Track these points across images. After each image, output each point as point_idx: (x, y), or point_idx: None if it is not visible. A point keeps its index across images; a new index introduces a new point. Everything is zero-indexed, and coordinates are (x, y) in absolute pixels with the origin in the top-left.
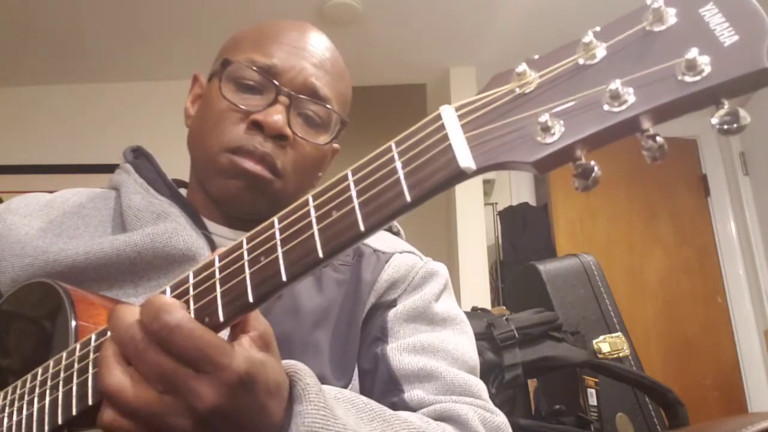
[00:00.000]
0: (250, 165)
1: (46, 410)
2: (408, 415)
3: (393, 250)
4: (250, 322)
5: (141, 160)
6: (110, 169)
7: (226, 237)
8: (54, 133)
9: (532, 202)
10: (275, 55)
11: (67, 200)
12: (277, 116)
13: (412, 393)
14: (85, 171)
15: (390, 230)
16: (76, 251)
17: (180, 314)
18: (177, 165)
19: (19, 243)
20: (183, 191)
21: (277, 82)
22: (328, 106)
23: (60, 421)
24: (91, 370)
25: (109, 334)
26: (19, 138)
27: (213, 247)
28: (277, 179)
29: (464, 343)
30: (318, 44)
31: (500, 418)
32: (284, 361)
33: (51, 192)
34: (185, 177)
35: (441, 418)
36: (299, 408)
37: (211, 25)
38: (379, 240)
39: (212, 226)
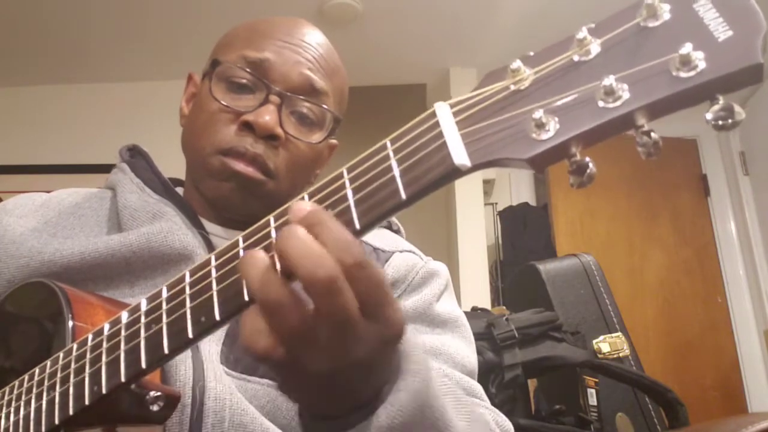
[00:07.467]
0: (241, 167)
1: (43, 410)
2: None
3: (393, 249)
4: None
5: (137, 158)
6: (109, 169)
7: (223, 237)
8: (54, 133)
9: (532, 202)
10: (268, 49)
11: (62, 200)
12: (267, 116)
13: None
14: (85, 171)
15: (390, 228)
16: (71, 251)
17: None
18: (177, 165)
19: (14, 244)
20: (180, 190)
21: (267, 81)
22: (324, 106)
23: (57, 421)
24: (87, 371)
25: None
26: (19, 138)
27: (209, 246)
28: (270, 180)
29: (464, 347)
30: (311, 39)
31: (509, 424)
32: None
33: (49, 192)
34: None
35: None
36: (406, 366)
37: (211, 25)
38: (380, 238)
39: (208, 225)
